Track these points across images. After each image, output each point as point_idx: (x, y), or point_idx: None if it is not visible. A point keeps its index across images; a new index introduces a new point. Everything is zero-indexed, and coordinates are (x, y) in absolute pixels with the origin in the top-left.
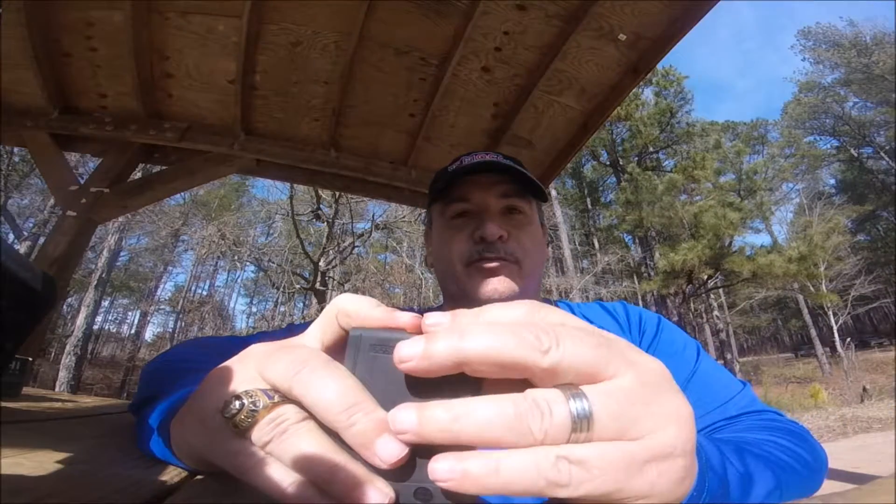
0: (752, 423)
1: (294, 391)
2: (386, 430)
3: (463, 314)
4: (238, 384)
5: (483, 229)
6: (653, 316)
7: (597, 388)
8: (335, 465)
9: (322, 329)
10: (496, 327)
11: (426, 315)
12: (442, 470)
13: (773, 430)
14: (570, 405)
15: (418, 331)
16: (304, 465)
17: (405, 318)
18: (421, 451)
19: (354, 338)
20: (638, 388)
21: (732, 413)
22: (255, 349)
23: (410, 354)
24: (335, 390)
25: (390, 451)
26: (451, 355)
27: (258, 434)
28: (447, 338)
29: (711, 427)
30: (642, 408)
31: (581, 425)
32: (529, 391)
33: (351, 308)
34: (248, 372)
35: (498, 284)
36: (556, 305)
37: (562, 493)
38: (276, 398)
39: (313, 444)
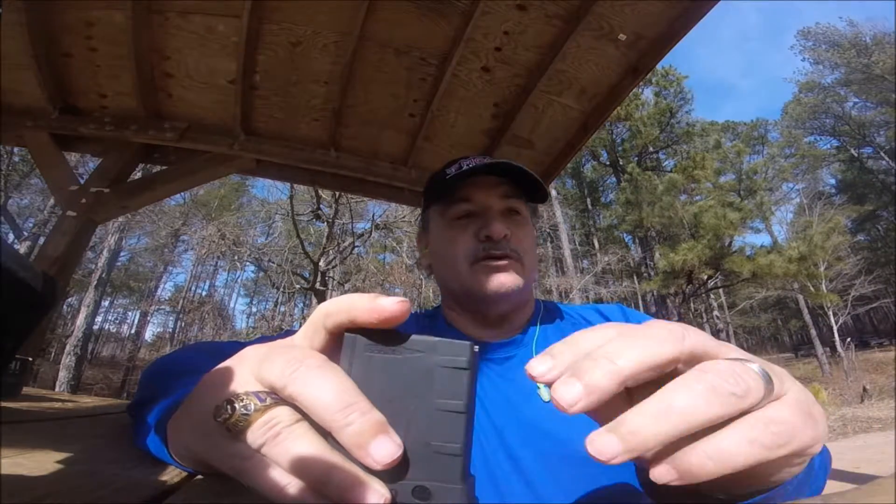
0: None
1: (288, 390)
2: (381, 432)
3: (560, 350)
4: (232, 387)
5: (489, 228)
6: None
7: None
8: (331, 466)
9: (309, 336)
10: (634, 339)
11: (530, 365)
12: (663, 473)
13: None
14: (752, 367)
15: (405, 315)
16: (300, 467)
17: (389, 304)
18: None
19: (350, 339)
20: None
21: None
22: (250, 351)
23: (576, 398)
24: (331, 390)
25: (385, 452)
26: (614, 380)
27: (252, 437)
28: (600, 368)
29: None
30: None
31: (769, 384)
32: (704, 366)
33: (334, 307)
34: (242, 374)
35: (504, 279)
36: (554, 307)
37: (778, 454)
38: (269, 400)
39: (307, 445)
